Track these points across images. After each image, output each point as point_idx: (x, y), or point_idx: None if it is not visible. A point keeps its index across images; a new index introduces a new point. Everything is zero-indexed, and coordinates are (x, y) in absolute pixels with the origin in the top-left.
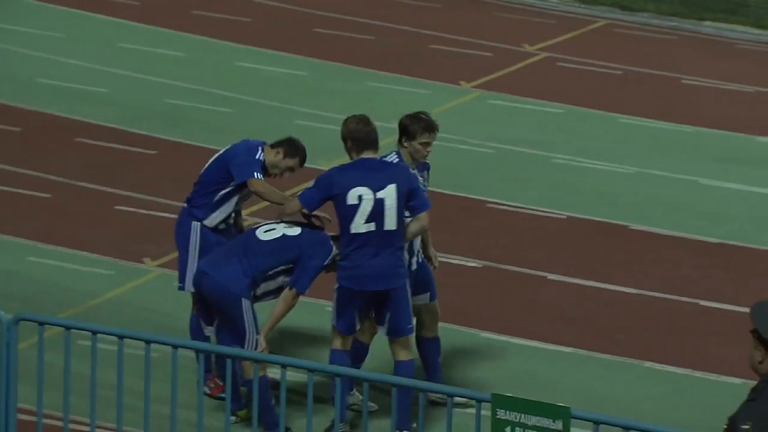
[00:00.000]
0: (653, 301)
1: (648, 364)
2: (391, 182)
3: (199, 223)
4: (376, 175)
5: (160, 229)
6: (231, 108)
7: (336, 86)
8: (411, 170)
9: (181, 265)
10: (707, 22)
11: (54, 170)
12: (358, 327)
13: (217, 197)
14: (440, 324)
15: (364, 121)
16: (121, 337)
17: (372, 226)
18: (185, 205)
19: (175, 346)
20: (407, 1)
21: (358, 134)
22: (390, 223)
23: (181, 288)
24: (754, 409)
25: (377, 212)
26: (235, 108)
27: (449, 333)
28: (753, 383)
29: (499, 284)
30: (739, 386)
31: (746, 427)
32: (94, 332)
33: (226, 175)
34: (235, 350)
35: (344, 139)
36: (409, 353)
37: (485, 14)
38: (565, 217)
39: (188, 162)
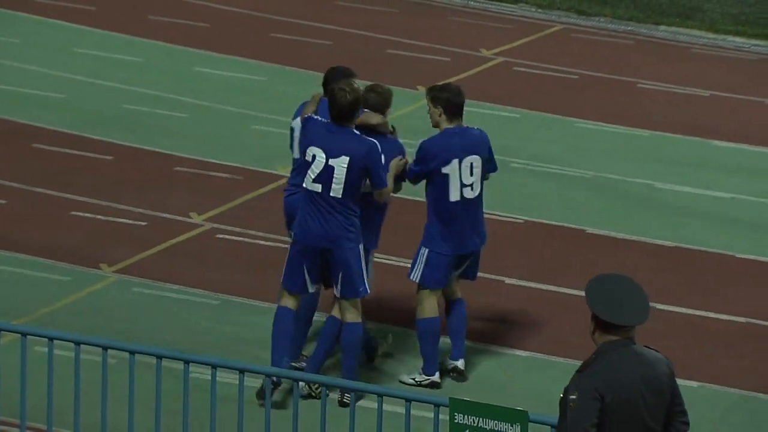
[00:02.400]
0: None
1: None
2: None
3: None
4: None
5: (117, 235)
6: (188, 113)
7: (294, 91)
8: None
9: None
10: (663, 27)
11: (10, 176)
12: (310, 288)
13: None
14: (400, 330)
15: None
16: (78, 343)
17: (318, 188)
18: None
19: (132, 352)
20: (364, 6)
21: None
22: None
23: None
24: (580, 380)
25: (327, 176)
26: (193, 113)
27: (407, 338)
28: (710, 387)
29: None
30: (695, 389)
31: (573, 397)
32: (51, 338)
33: None
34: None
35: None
36: (356, 315)
37: (442, 19)
38: (522, 221)
39: (145, 167)
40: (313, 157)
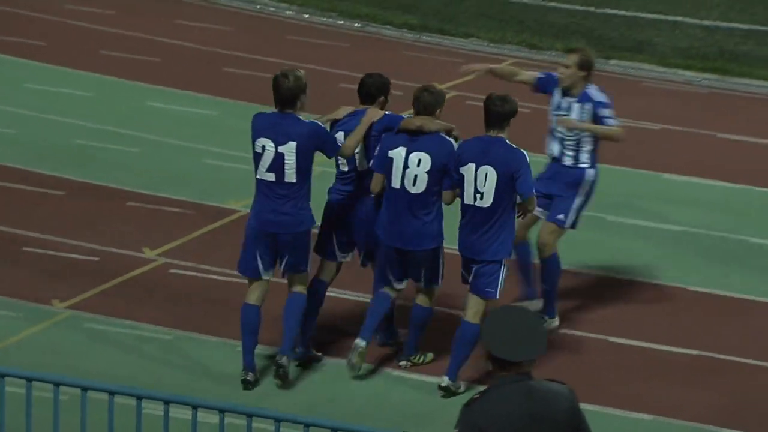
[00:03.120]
0: (561, 337)
1: None
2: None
3: None
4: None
5: (69, 271)
6: (140, 148)
7: (245, 125)
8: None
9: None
10: (613, 61)
11: None
12: (263, 275)
13: None
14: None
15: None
16: (29, 379)
17: (273, 177)
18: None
19: (84, 388)
20: (316, 40)
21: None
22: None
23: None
24: (463, 415)
25: (278, 164)
26: (144, 148)
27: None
28: (663, 419)
29: (348, 314)
30: (648, 422)
31: (456, 431)
32: (2, 375)
33: None
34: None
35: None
36: (302, 288)
37: (394, 53)
38: None
39: (97, 202)
40: (263, 148)
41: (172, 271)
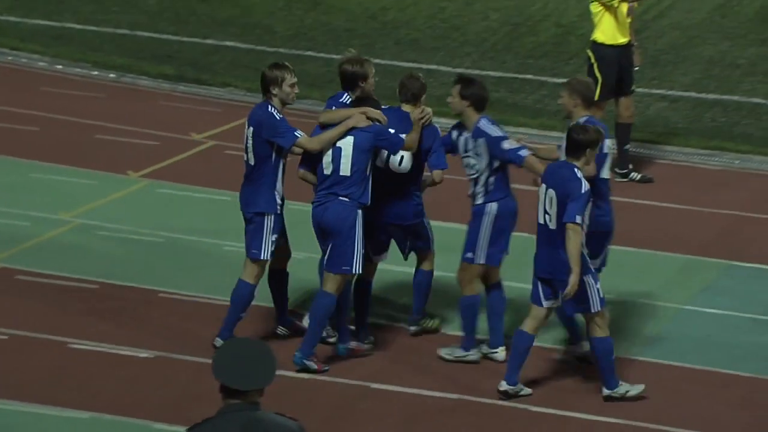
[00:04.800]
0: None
1: None
2: None
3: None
4: None
5: None
6: None
7: (0, 178)
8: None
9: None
10: None
11: None
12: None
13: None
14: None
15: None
16: None
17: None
18: (345, 198)
19: None
20: (71, 91)
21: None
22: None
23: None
24: None
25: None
26: None
27: (124, 426)
28: None
29: (172, 374)
30: None
31: None
32: None
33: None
34: None
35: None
36: (249, 276)
37: (150, 103)
38: None
39: None
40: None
41: None
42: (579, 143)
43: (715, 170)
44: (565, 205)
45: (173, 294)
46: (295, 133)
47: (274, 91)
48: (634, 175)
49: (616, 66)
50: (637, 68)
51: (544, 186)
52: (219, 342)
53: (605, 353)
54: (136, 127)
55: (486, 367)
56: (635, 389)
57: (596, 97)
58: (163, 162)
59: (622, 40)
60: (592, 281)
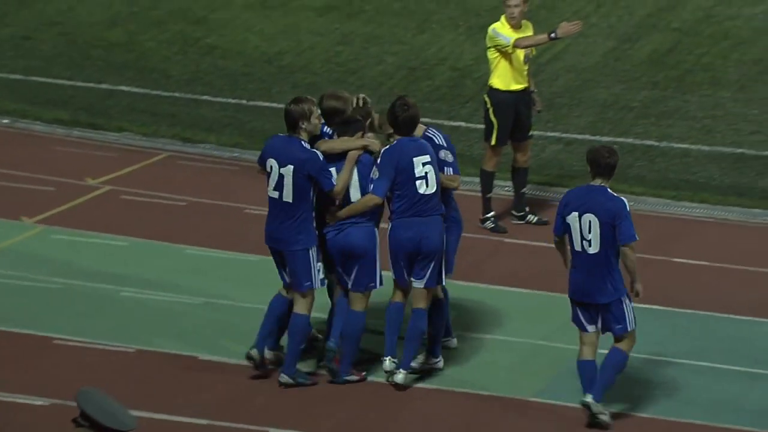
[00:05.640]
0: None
1: None
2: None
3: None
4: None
5: None
6: None
7: None
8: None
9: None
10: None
11: None
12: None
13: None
14: None
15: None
16: None
17: (276, 195)
18: (361, 220)
19: None
20: None
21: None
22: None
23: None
24: None
25: (280, 184)
26: None
27: None
28: None
29: (67, 422)
30: None
31: None
32: None
33: None
34: None
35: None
36: (302, 308)
37: (43, 148)
38: (133, 350)
39: None
40: (271, 167)
41: None
42: (610, 166)
43: None
44: (609, 229)
45: (69, 341)
46: (332, 180)
47: (303, 125)
48: (531, 217)
49: (513, 111)
50: (540, 111)
51: (575, 214)
52: (284, 378)
53: (617, 366)
54: (30, 173)
55: None
56: (608, 417)
57: (493, 142)
58: (58, 207)
59: (519, 86)
60: (628, 301)
